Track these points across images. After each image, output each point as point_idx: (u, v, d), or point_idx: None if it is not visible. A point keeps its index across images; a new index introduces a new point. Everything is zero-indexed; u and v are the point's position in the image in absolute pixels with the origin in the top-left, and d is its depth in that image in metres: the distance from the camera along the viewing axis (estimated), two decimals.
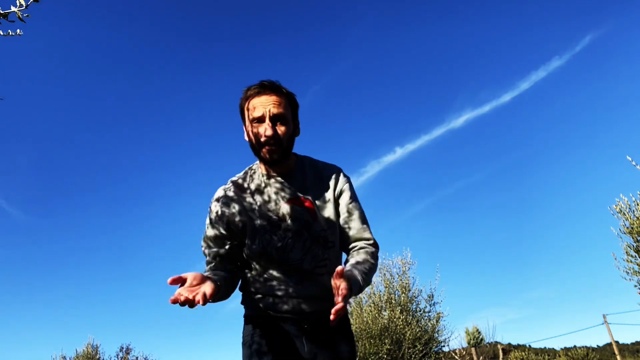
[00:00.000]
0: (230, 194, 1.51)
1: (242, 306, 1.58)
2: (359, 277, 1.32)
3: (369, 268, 1.41)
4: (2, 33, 1.33)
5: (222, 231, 1.47)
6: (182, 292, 1.12)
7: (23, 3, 1.29)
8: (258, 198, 1.50)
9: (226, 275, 1.45)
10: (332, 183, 1.54)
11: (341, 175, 1.57)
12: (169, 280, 1.15)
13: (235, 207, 1.48)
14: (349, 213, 1.52)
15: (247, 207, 1.49)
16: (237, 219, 1.47)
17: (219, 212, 1.48)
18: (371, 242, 1.51)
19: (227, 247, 1.48)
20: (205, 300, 1.13)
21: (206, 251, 1.51)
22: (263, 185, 1.51)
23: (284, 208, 1.47)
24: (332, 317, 1.07)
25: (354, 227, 1.51)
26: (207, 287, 1.17)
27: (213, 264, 1.48)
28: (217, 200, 1.51)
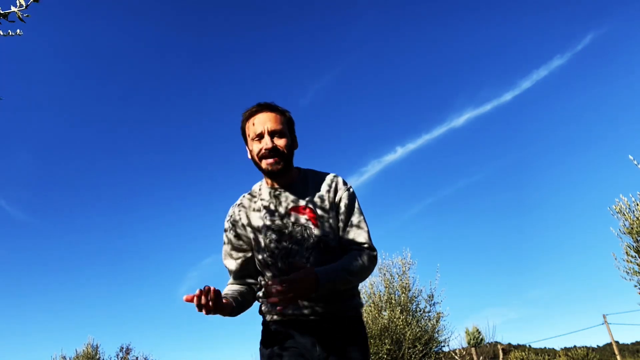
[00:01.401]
0: (239, 209, 1.66)
1: (261, 316, 1.67)
2: (339, 265, 1.45)
3: (352, 265, 1.47)
4: (2, 33, 1.33)
5: (235, 245, 1.64)
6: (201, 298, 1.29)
7: (23, 3, 1.29)
8: (264, 210, 1.60)
9: (243, 289, 1.62)
10: (332, 191, 1.62)
11: (340, 183, 1.64)
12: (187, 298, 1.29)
13: (243, 221, 1.63)
14: (347, 220, 1.59)
15: (254, 219, 1.61)
16: (246, 231, 1.62)
17: (230, 228, 1.65)
18: (365, 245, 1.56)
19: (241, 259, 1.63)
20: (213, 306, 1.30)
21: (226, 264, 1.67)
22: (268, 197, 1.61)
23: (288, 216, 1.56)
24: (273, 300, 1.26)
25: (349, 233, 1.58)
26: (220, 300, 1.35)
27: (232, 276, 1.66)
28: (229, 217, 1.68)
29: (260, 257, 1.58)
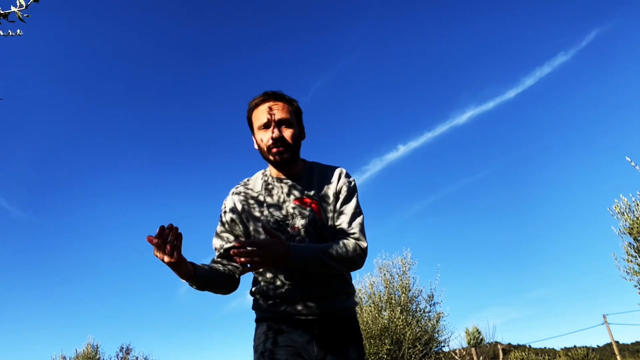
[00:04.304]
0: (240, 193, 1.61)
1: (253, 311, 1.62)
2: (317, 246, 1.40)
3: (332, 250, 1.42)
4: (2, 33, 1.33)
5: (228, 227, 1.59)
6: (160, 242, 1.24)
7: (23, 3, 1.29)
8: (267, 198, 1.57)
9: (222, 270, 1.52)
10: (334, 183, 1.60)
11: (343, 175, 1.62)
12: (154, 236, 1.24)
13: (243, 206, 1.58)
14: (341, 211, 1.56)
15: (256, 206, 1.57)
16: (245, 216, 1.57)
17: (227, 210, 1.60)
18: (355, 235, 1.50)
19: (231, 243, 1.57)
20: (172, 253, 1.24)
21: (215, 244, 1.61)
22: (272, 186, 1.59)
23: (291, 207, 1.54)
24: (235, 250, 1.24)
25: (341, 222, 1.54)
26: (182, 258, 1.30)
27: (216, 255, 1.58)
28: (228, 199, 1.63)
29: None
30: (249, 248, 1.24)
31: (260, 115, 1.54)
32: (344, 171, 1.64)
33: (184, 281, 1.37)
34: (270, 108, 1.53)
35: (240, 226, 1.58)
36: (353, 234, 1.50)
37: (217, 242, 1.60)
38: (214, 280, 1.46)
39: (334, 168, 1.66)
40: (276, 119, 1.51)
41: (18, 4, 1.29)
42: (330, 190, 1.59)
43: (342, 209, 1.55)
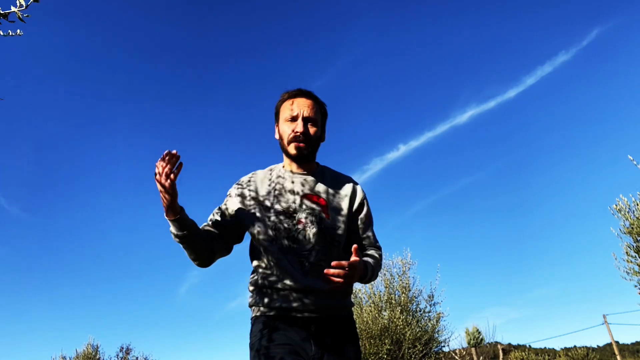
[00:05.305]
0: (250, 181, 1.66)
1: (250, 309, 1.61)
2: (371, 262, 1.57)
3: (377, 264, 1.62)
4: (2, 33, 1.33)
5: (230, 210, 1.61)
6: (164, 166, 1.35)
7: (23, 3, 1.29)
8: (276, 189, 1.61)
9: (208, 230, 1.57)
10: (349, 192, 1.67)
11: (359, 187, 1.72)
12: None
13: (250, 193, 1.62)
14: (367, 224, 1.69)
15: (264, 195, 1.61)
16: (250, 203, 1.60)
17: (233, 193, 1.65)
18: (380, 250, 1.71)
19: (226, 222, 1.61)
20: (168, 178, 1.34)
21: (210, 216, 1.65)
22: (283, 178, 1.63)
23: (300, 201, 1.58)
24: (333, 269, 1.30)
25: (370, 236, 1.70)
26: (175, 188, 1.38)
27: (206, 223, 1.63)
28: (237, 183, 1.68)
29: (263, 233, 1.54)
30: (344, 270, 1.32)
31: (291, 107, 1.61)
32: (359, 185, 1.74)
33: (169, 219, 1.42)
34: (300, 104, 1.61)
35: (242, 207, 1.60)
36: (380, 247, 1.70)
37: (214, 215, 1.64)
38: (197, 231, 1.49)
39: (348, 178, 1.73)
40: (304, 115, 1.59)
41: (18, 4, 1.29)
42: (344, 197, 1.65)
43: (366, 221, 1.68)
